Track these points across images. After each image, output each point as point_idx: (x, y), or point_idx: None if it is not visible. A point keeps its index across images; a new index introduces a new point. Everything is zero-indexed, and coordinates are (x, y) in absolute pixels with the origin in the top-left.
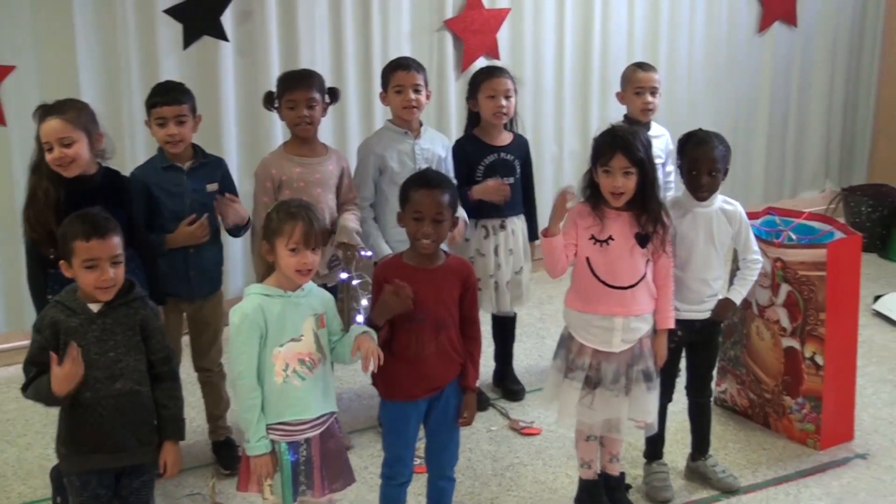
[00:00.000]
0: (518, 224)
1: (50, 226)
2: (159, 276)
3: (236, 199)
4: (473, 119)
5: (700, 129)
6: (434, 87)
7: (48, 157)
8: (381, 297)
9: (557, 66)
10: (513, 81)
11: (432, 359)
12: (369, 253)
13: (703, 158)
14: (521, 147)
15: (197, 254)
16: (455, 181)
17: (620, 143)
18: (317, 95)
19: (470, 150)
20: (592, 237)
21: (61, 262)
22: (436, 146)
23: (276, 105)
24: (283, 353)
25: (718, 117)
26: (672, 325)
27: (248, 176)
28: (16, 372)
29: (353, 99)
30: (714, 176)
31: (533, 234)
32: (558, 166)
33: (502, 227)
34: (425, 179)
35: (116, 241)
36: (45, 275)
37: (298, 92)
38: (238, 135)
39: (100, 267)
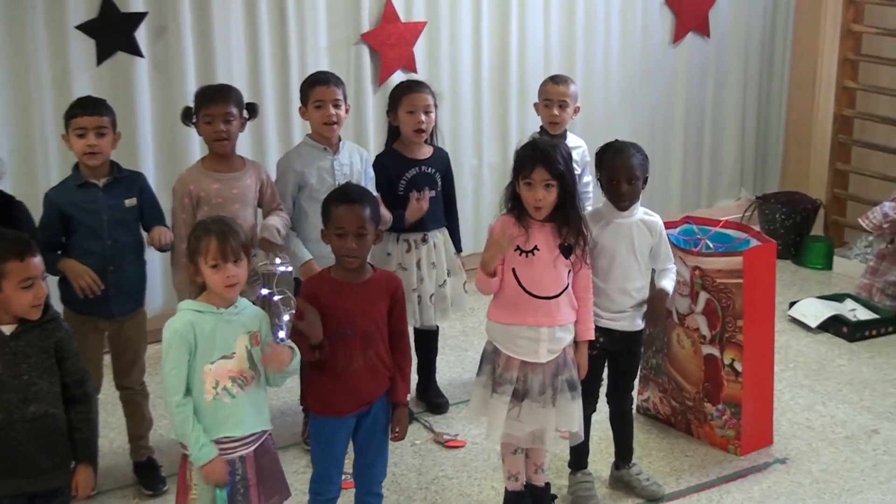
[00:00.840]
0: (440, 237)
1: None
2: (75, 294)
3: None
4: (394, 133)
5: (617, 140)
6: (352, 100)
7: None
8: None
9: (475, 78)
10: (433, 96)
11: (361, 374)
12: (289, 268)
13: (621, 167)
14: (441, 160)
15: (117, 271)
16: (376, 194)
17: (541, 156)
18: (234, 110)
19: (391, 165)
20: (518, 248)
21: None
22: (354, 160)
23: (194, 120)
24: (214, 370)
25: (635, 127)
26: (592, 337)
27: (166, 192)
28: None
29: (270, 113)
30: (633, 184)
31: (457, 245)
32: (478, 178)
33: (424, 240)
34: (346, 194)
35: (40, 259)
36: None
37: (215, 107)
38: (155, 151)
39: (35, 285)
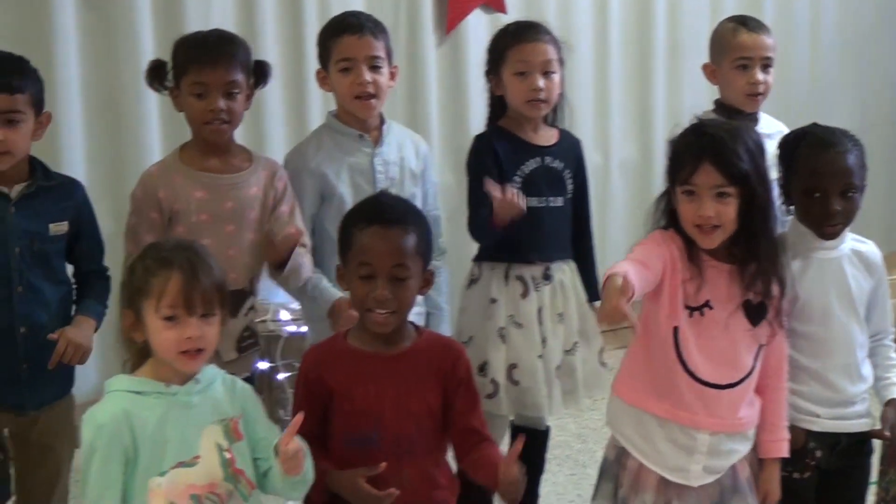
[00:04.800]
0: (567, 272)
1: None
2: None
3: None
4: (498, 105)
5: (817, 125)
6: (403, 58)
7: None
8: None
9: (598, 24)
10: (556, 47)
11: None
12: (302, 329)
13: (831, 171)
14: (571, 149)
15: (31, 335)
16: (470, 204)
17: (710, 148)
18: (240, 77)
19: (502, 151)
20: (685, 298)
21: None
22: (407, 153)
23: (171, 85)
24: (166, 486)
25: (852, 110)
26: (786, 453)
27: (109, 207)
28: None
29: (273, 80)
30: (850, 198)
31: (592, 289)
32: (603, 184)
33: (546, 277)
34: (377, 211)
35: None
36: None
37: (212, 71)
38: (87, 138)
39: None
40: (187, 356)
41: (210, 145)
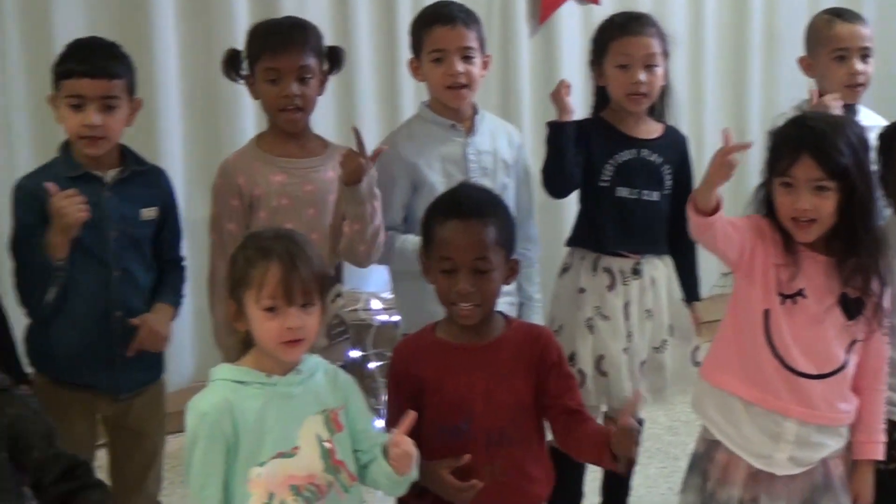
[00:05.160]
0: (661, 268)
1: None
2: (66, 356)
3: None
4: (602, 96)
5: None
6: (496, 48)
7: None
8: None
9: (693, 15)
10: (662, 40)
11: (487, 496)
12: (395, 317)
13: None
14: (674, 145)
15: (126, 319)
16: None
17: (810, 141)
18: (312, 62)
19: (595, 140)
20: (778, 285)
21: None
22: (500, 144)
23: (246, 73)
24: (266, 476)
25: None
26: (880, 455)
27: (206, 196)
28: None
29: (364, 68)
30: None
31: (691, 289)
32: (697, 173)
33: (636, 272)
34: (456, 204)
35: None
36: None
37: (285, 56)
38: (184, 127)
39: None
40: (288, 346)
41: (285, 133)
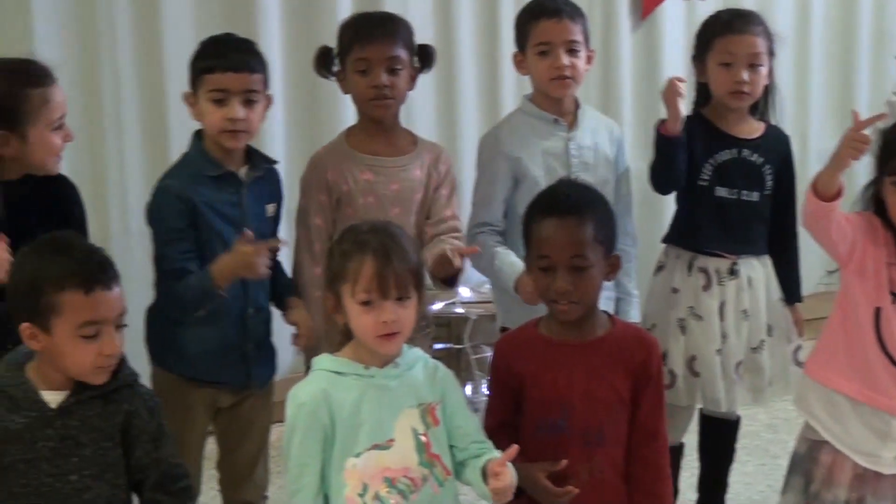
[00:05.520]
0: (759, 269)
1: None
2: (201, 354)
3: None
4: (703, 92)
5: None
6: (598, 43)
7: None
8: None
9: (800, 10)
10: (767, 39)
11: (584, 495)
12: (492, 311)
13: None
14: (776, 145)
15: (257, 315)
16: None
17: None
18: (402, 53)
19: (696, 138)
20: (890, 283)
21: (24, 326)
22: (601, 138)
23: (337, 69)
24: (361, 467)
25: None
26: None
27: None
28: None
29: (465, 63)
30: None
31: (791, 290)
32: (800, 174)
33: (732, 272)
34: (553, 202)
35: (121, 293)
36: None
37: (373, 46)
38: (287, 120)
39: (104, 334)
40: (384, 339)
41: (376, 125)
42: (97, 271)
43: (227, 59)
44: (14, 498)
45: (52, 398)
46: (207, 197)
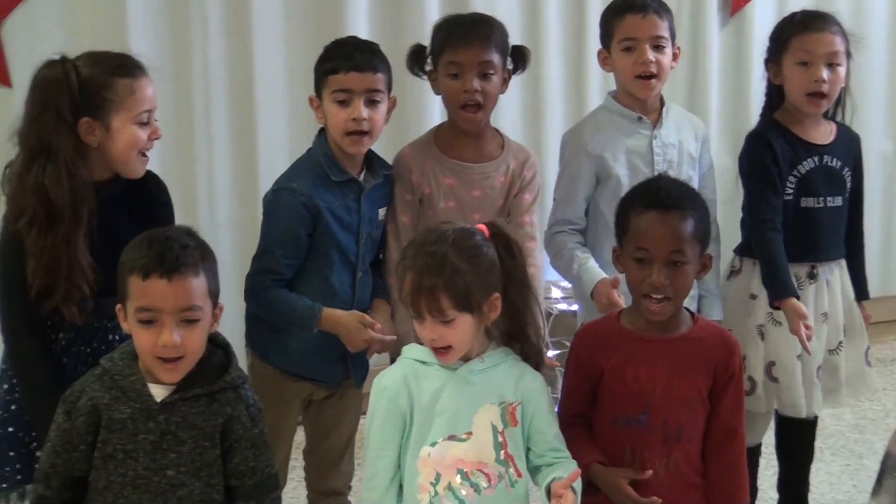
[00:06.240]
0: (835, 270)
1: (71, 261)
2: (305, 352)
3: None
4: (774, 96)
5: None
6: (685, 40)
7: None
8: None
9: (894, 8)
10: (843, 39)
11: (662, 491)
12: (573, 306)
13: None
14: (849, 146)
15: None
16: (750, 204)
17: None
18: (495, 58)
19: (779, 150)
20: None
21: (118, 306)
22: (686, 136)
23: (429, 68)
24: (435, 457)
25: None
26: None
27: None
28: None
29: (551, 60)
30: None
31: (860, 288)
32: (890, 172)
33: (812, 276)
34: (655, 196)
35: (194, 286)
36: (44, 348)
37: (466, 51)
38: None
39: (159, 323)
40: (436, 351)
41: (461, 130)
42: (157, 260)
43: (350, 60)
44: (110, 488)
45: (159, 392)
46: (330, 202)
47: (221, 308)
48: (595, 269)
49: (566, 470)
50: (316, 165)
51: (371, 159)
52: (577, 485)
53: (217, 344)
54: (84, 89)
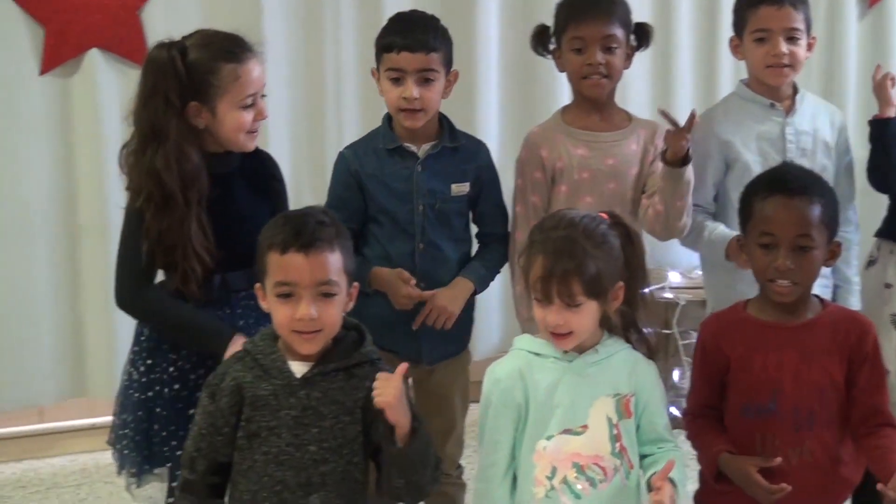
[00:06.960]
0: None
1: (185, 244)
2: (375, 321)
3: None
4: None
5: None
6: (821, 29)
7: None
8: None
9: None
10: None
11: (794, 479)
12: (701, 296)
13: None
14: None
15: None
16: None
17: None
18: (619, 32)
19: None
20: None
21: (257, 286)
22: (821, 124)
23: (553, 47)
24: (551, 450)
25: None
26: None
27: (512, 166)
28: None
29: (683, 45)
30: None
31: None
32: None
33: None
34: (780, 181)
35: (330, 261)
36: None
37: (589, 25)
38: (501, 100)
39: (297, 297)
40: (553, 336)
41: (591, 102)
42: (293, 235)
43: (404, 39)
44: (254, 468)
45: (298, 369)
46: (374, 169)
47: (357, 287)
48: (726, 230)
49: (666, 462)
50: (374, 135)
51: (446, 131)
52: (678, 476)
53: (349, 327)
54: (190, 74)
